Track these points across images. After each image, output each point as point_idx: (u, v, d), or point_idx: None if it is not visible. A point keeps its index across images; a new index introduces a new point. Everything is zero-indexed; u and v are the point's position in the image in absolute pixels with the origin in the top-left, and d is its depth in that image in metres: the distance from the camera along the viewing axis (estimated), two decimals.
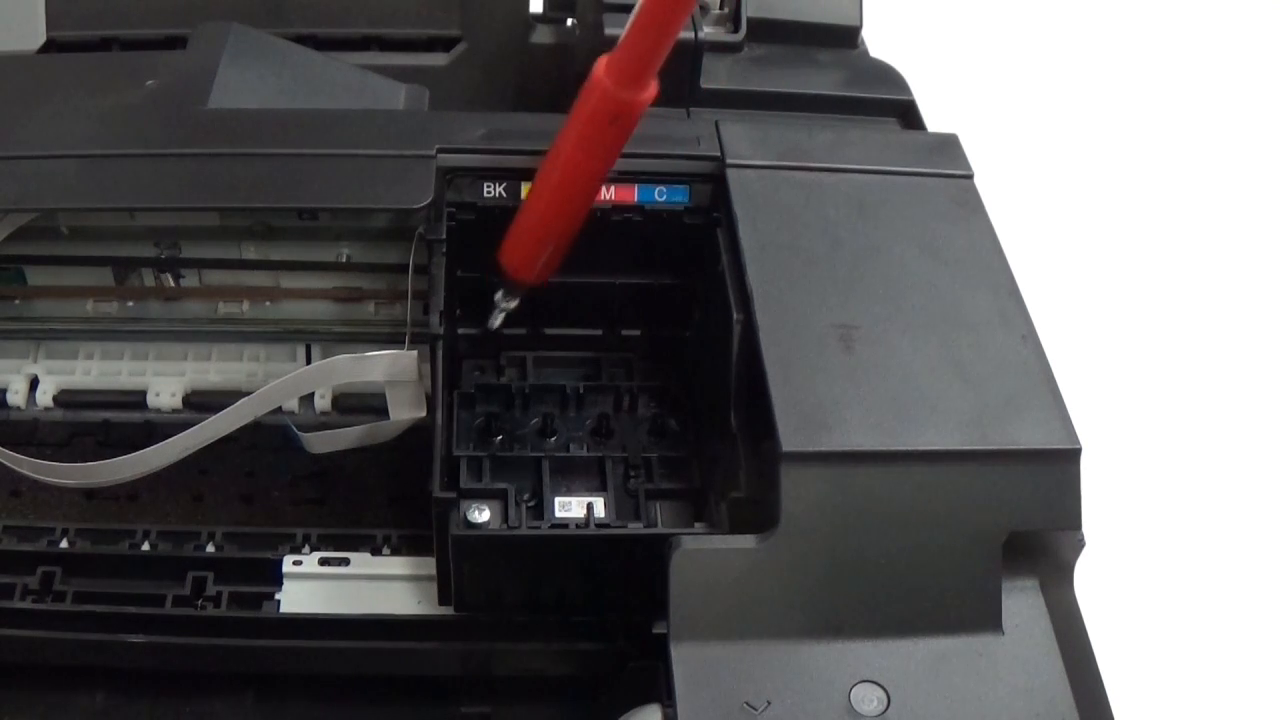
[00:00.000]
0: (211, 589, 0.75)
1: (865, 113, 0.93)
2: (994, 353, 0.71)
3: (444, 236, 0.77)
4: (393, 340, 0.81)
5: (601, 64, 0.68)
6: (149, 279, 0.85)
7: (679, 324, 0.85)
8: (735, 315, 0.72)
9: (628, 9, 0.92)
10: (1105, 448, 0.79)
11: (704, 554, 0.65)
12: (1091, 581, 0.69)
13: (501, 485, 0.74)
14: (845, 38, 0.99)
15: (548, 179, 0.74)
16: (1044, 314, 0.74)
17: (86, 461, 0.76)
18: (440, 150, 0.78)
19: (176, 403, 0.84)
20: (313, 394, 0.84)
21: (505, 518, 0.73)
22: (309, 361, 0.85)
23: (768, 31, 0.97)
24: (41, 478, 0.77)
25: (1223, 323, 1.33)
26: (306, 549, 0.78)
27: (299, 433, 0.81)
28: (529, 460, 0.77)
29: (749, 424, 0.72)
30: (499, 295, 0.80)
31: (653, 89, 0.69)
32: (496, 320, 0.81)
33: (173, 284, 0.85)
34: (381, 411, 0.80)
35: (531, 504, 0.74)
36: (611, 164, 0.72)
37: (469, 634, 0.74)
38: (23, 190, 0.75)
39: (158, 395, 0.84)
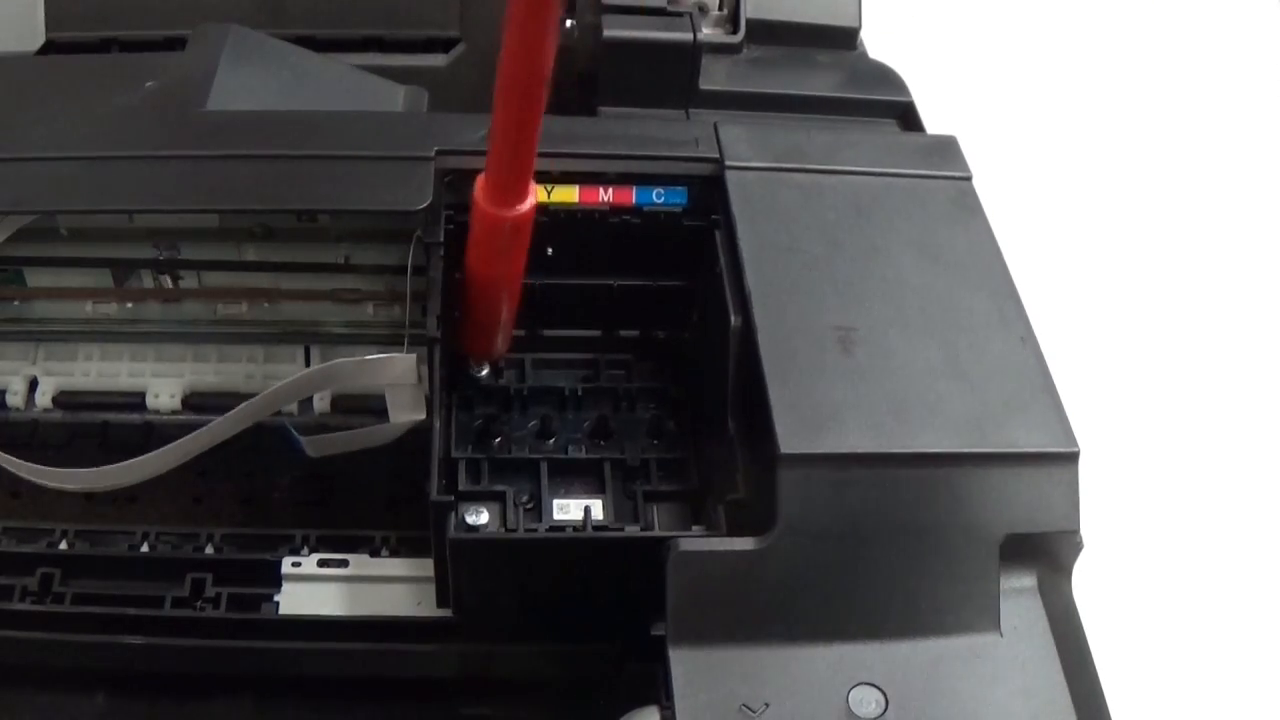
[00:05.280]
0: (210, 590, 0.75)
1: (864, 114, 0.93)
2: (992, 355, 0.71)
3: (442, 239, 0.76)
4: (391, 341, 0.81)
5: (479, 186, 0.68)
6: (148, 280, 0.85)
7: (677, 326, 0.84)
8: (733, 317, 0.72)
9: (628, 10, 0.92)
10: (1104, 450, 0.79)
11: (702, 555, 0.65)
12: (1089, 583, 0.69)
13: (499, 487, 0.74)
14: (844, 39, 0.99)
15: (473, 285, 0.74)
16: (1043, 316, 0.74)
17: (86, 463, 0.76)
18: (439, 152, 0.78)
19: (176, 404, 0.84)
20: (312, 396, 0.84)
21: (503, 520, 0.73)
22: (308, 362, 0.85)
23: (766, 33, 0.97)
24: (41, 482, 0.77)
25: (1221, 324, 1.33)
26: (305, 550, 0.78)
27: (298, 436, 0.81)
28: (527, 462, 0.77)
29: (747, 426, 0.72)
30: (471, 367, 0.81)
31: (532, 196, 0.68)
32: (480, 374, 0.82)
33: (172, 285, 0.85)
34: (381, 413, 0.79)
35: (529, 506, 0.75)
36: (524, 257, 0.72)
37: (467, 636, 0.74)
38: (22, 192, 0.75)
39: (157, 397, 0.84)
